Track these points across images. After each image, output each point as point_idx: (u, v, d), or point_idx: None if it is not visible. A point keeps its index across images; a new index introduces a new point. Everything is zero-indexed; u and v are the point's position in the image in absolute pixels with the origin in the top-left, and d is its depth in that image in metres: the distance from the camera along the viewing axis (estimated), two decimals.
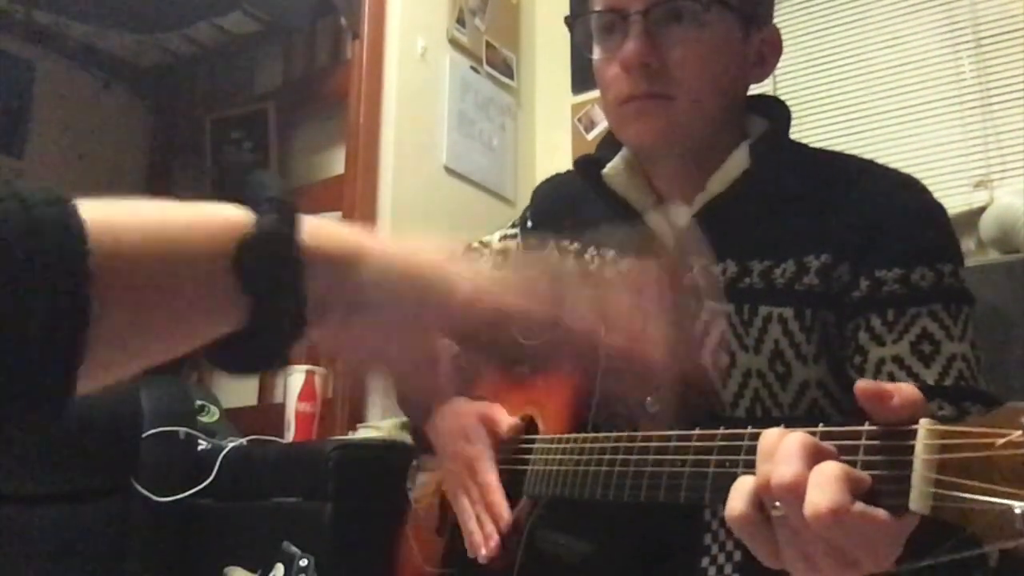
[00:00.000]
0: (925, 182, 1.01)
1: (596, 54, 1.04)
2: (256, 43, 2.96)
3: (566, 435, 0.92)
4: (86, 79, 2.99)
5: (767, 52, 1.06)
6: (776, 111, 1.06)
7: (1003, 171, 2.40)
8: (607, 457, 0.83)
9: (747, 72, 1.04)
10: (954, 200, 2.35)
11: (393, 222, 2.50)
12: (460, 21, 2.85)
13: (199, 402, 2.23)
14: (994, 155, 2.41)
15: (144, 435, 1.88)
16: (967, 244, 2.24)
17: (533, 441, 0.99)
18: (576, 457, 0.88)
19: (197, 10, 2.75)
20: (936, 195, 1.01)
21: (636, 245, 1.06)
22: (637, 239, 1.07)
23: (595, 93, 2.99)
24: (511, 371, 1.15)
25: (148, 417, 1.90)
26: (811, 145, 1.09)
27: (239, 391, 2.64)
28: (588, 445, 0.87)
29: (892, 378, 0.89)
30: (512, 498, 0.98)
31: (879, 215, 0.95)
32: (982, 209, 2.25)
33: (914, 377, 0.90)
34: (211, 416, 2.27)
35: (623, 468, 0.80)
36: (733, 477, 0.65)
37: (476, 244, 1.31)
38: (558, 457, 0.91)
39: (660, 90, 0.97)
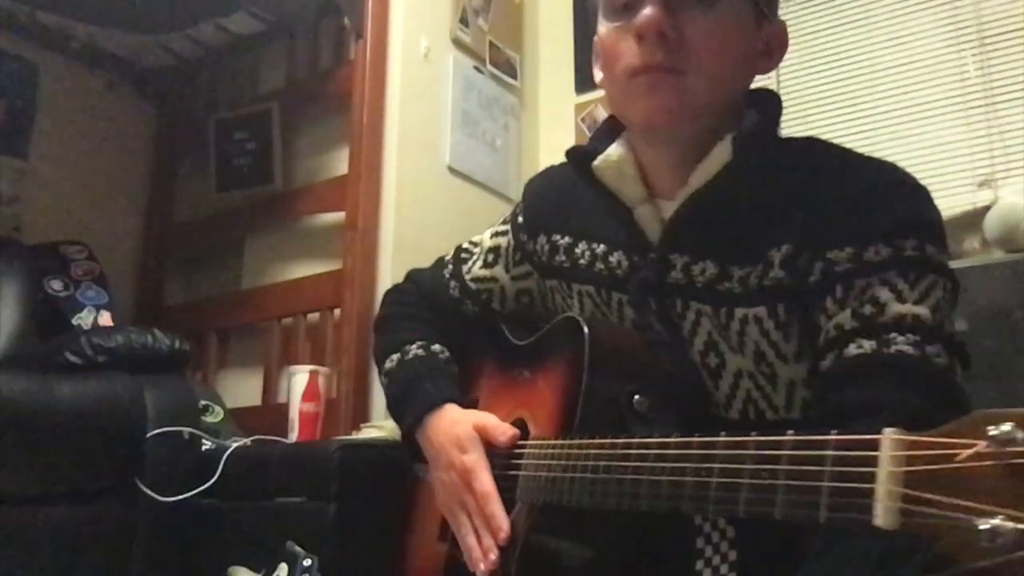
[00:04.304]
0: (929, 182, 0.96)
1: (604, 27, 1.01)
2: (260, 43, 2.96)
3: (555, 441, 0.91)
4: (90, 80, 3.00)
5: (774, 45, 1.04)
6: (767, 104, 1.04)
7: (1007, 170, 2.39)
8: (591, 464, 0.82)
9: (755, 62, 1.02)
10: (958, 199, 2.35)
11: (396, 222, 2.50)
12: (463, 21, 2.85)
13: (203, 402, 2.23)
14: (998, 154, 2.41)
15: (148, 435, 1.88)
16: (971, 243, 2.24)
17: (524, 446, 0.98)
18: (564, 463, 0.86)
19: (201, 11, 2.75)
20: (940, 194, 0.97)
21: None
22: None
23: (599, 92, 3.00)
24: (506, 372, 1.13)
25: (152, 417, 1.90)
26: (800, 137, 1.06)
27: (243, 391, 2.65)
28: (576, 452, 0.85)
29: (829, 342, 0.86)
30: (507, 503, 0.97)
31: (835, 198, 0.91)
32: (986, 208, 2.24)
33: (840, 328, 0.85)
34: (215, 416, 2.27)
35: (620, 476, 0.78)
36: (737, 488, 0.64)
37: (467, 244, 1.29)
38: (547, 463, 0.90)
39: (674, 63, 0.94)
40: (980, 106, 2.46)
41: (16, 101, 2.78)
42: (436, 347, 1.19)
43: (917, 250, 0.86)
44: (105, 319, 2.47)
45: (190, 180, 3.12)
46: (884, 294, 0.84)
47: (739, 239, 0.96)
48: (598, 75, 1.07)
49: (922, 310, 0.83)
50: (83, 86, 2.98)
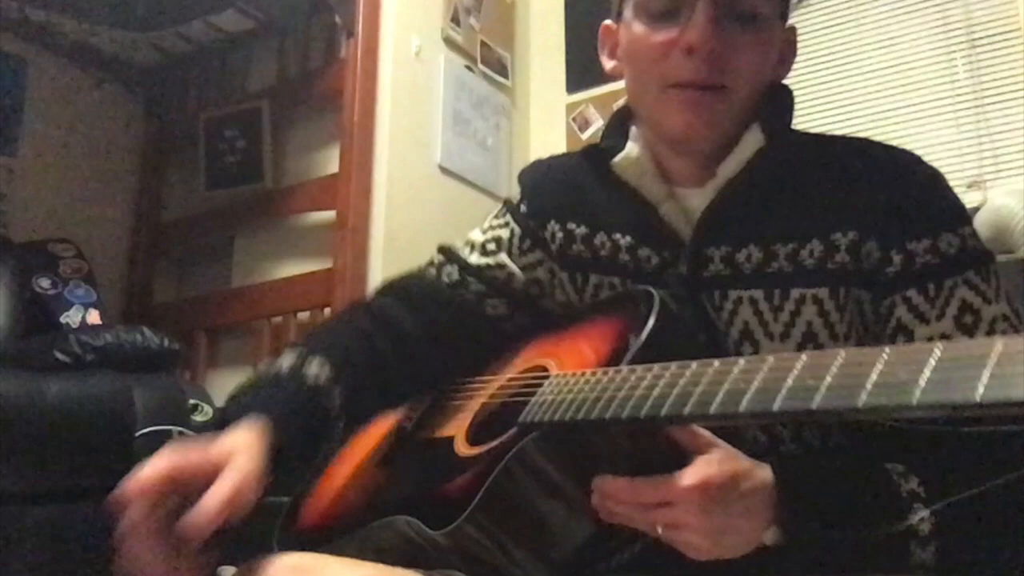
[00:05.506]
0: None
1: (637, 27, 1.00)
2: (250, 41, 2.95)
3: (598, 369, 0.84)
4: (79, 77, 2.99)
5: (787, 52, 1.06)
6: (781, 96, 1.06)
7: (997, 171, 2.40)
8: (620, 378, 0.77)
9: (774, 70, 1.04)
10: None
11: (387, 221, 2.50)
12: (455, 20, 2.85)
13: (193, 401, 2.22)
14: (988, 156, 2.42)
15: (137, 434, 1.87)
16: None
17: (547, 378, 0.91)
18: (589, 384, 0.81)
19: (191, 8, 2.75)
20: None
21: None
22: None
23: (590, 92, 3.00)
24: (538, 338, 1.09)
25: (142, 416, 1.89)
26: None
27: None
28: (607, 375, 0.79)
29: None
30: (506, 427, 0.90)
31: (894, 190, 0.95)
32: (976, 210, 2.25)
33: (946, 339, 0.89)
34: (205, 415, 2.26)
35: (652, 382, 0.73)
36: (812, 392, 0.60)
37: (460, 244, 1.21)
38: (570, 386, 0.84)
39: (717, 80, 0.95)
40: (970, 108, 2.47)
41: (4, 98, 2.77)
42: (313, 369, 1.02)
43: (973, 237, 0.93)
44: (93, 317, 2.46)
45: (179, 178, 3.11)
46: (973, 298, 0.90)
47: (780, 220, 0.97)
48: (609, 64, 1.07)
49: (1004, 307, 0.91)
50: (72, 83, 2.96)
